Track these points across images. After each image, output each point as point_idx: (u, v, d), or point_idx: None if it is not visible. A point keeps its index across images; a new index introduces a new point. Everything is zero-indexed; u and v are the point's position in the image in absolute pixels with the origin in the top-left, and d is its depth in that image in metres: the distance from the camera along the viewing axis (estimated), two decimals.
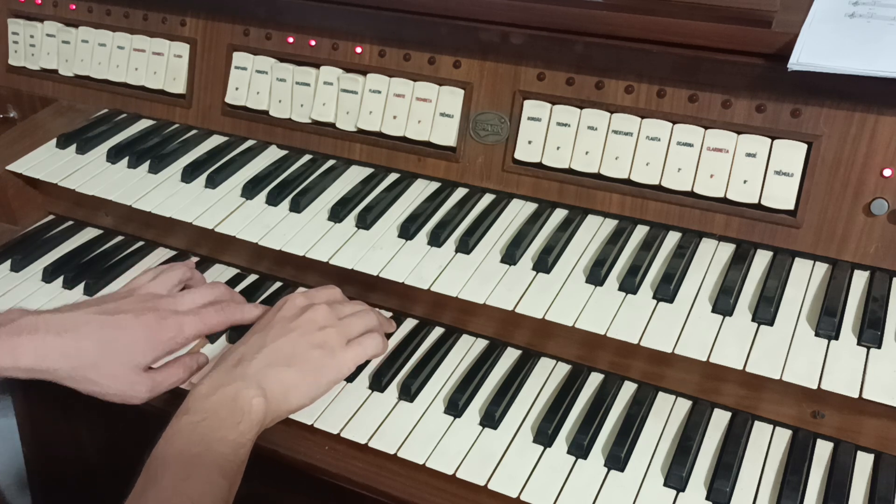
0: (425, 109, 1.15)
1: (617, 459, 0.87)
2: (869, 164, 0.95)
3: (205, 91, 1.32)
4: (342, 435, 0.92)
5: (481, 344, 1.04)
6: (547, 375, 0.99)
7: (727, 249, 1.01)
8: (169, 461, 0.81)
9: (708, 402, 0.94)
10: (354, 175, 1.20)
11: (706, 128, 1.01)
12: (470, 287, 0.99)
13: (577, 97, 1.08)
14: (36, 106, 1.46)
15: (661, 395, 0.95)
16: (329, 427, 0.93)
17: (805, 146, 0.97)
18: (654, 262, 1.00)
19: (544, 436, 0.90)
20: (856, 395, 0.82)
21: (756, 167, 0.99)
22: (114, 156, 1.26)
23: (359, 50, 1.21)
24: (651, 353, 0.91)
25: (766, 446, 0.89)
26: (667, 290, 0.94)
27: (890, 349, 0.86)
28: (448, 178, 1.16)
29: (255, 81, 1.27)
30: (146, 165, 1.23)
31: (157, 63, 1.34)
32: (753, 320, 0.91)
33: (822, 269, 0.98)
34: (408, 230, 1.07)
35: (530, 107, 1.10)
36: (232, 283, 1.15)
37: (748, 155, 0.99)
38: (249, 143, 1.29)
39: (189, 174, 1.20)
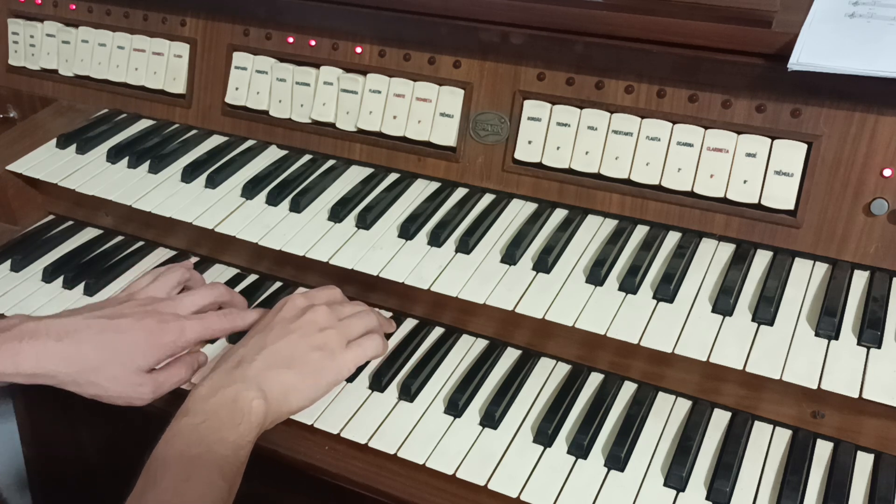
0: (425, 109, 1.15)
1: (617, 459, 0.87)
2: (869, 164, 0.95)
3: (205, 91, 1.32)
4: (342, 435, 0.92)
5: (481, 344, 1.04)
6: (547, 375, 0.99)
7: (727, 249, 1.01)
8: (169, 462, 0.81)
9: (708, 402, 0.94)
10: (354, 175, 1.20)
11: (706, 128, 1.01)
12: (470, 287, 0.99)
13: (577, 97, 1.08)
14: (36, 106, 1.46)
15: (661, 395, 0.95)
16: (329, 427, 0.93)
17: (805, 146, 0.97)
18: (654, 262, 1.00)
19: (544, 436, 0.90)
20: (856, 395, 0.82)
21: (756, 167, 0.99)
22: (114, 156, 1.26)
23: (359, 50, 1.20)
24: (651, 353, 0.91)
25: (766, 446, 0.89)
26: (667, 290, 0.94)
27: (890, 349, 0.86)
28: (448, 178, 1.16)
29: (255, 81, 1.27)
30: (146, 165, 1.23)
31: (157, 63, 1.34)
32: (753, 320, 0.91)
33: (822, 269, 0.98)
34: (408, 230, 1.07)
35: (530, 107, 1.10)
36: (232, 283, 1.15)
37: (748, 155, 0.99)
38: (249, 143, 1.29)
39: (189, 174, 1.20)
